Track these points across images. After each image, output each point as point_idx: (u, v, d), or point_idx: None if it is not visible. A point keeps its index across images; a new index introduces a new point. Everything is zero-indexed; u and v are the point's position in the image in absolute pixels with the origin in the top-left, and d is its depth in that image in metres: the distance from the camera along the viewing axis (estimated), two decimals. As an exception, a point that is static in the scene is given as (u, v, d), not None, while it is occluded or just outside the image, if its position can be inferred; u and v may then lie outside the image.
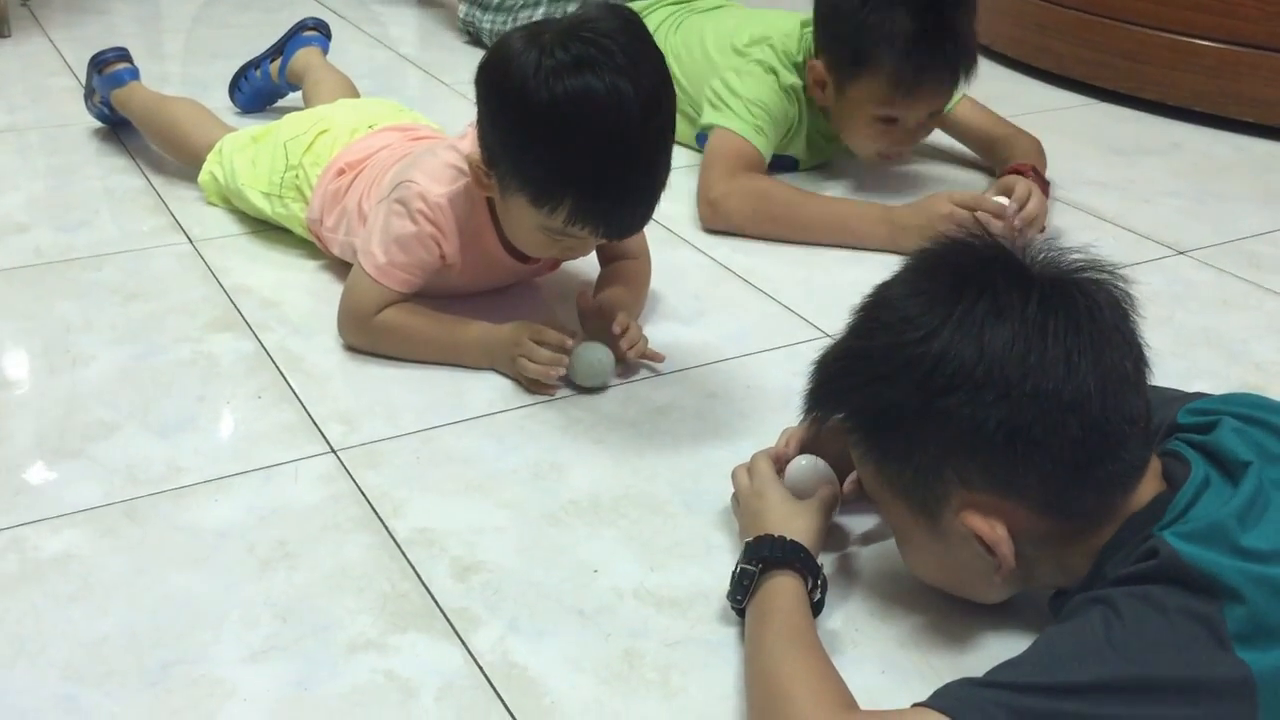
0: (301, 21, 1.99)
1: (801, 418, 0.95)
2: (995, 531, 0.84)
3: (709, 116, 1.75)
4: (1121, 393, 0.81)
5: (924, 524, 0.88)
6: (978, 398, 0.80)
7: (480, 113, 1.22)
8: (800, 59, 1.75)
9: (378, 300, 1.30)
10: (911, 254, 0.91)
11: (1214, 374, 1.36)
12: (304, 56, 1.93)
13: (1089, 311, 0.82)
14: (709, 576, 1.01)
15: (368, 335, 1.31)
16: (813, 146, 1.85)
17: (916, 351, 0.82)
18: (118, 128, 1.91)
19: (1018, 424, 0.80)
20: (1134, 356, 0.83)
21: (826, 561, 0.96)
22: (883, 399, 0.85)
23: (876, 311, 0.88)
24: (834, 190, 1.80)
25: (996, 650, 0.93)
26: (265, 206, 1.56)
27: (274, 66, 1.97)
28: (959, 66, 1.66)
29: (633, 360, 1.29)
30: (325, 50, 1.98)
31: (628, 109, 1.12)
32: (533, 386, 1.26)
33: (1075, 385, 0.79)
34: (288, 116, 1.65)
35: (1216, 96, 2.17)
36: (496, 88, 1.18)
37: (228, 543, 1.03)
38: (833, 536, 1.04)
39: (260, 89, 1.99)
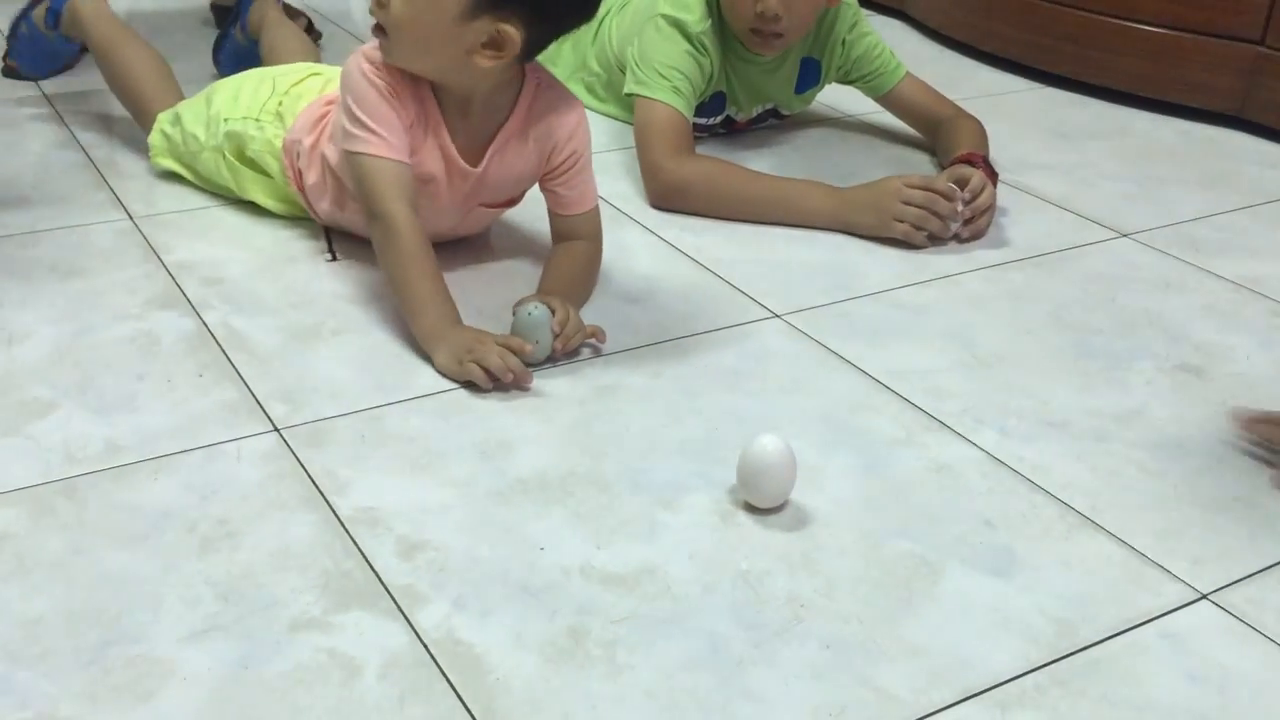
0: None
1: None
2: None
3: (629, 86, 1.74)
4: None
5: None
6: None
7: None
8: None
9: (387, 181, 1.28)
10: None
11: (1155, 354, 1.38)
12: (258, 9, 1.90)
13: None
14: (655, 554, 1.01)
15: (385, 234, 1.28)
16: (745, 88, 1.84)
17: None
18: (55, 100, 1.87)
19: None
20: None
21: (785, 536, 0.95)
22: None
23: None
24: (784, 173, 1.80)
25: (930, 628, 0.94)
26: (239, 128, 1.51)
27: (238, 31, 1.94)
28: None
29: (560, 350, 1.27)
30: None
31: None
32: (467, 375, 1.21)
33: None
34: (279, 65, 1.64)
35: (1159, 81, 2.19)
36: None
37: (168, 522, 1.01)
38: (788, 514, 1.04)
39: (237, 50, 1.96)
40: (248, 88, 1.55)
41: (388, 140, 1.29)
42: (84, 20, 1.74)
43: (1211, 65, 2.14)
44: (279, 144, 1.49)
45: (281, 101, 1.50)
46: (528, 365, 1.23)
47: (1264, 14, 2.07)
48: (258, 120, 1.51)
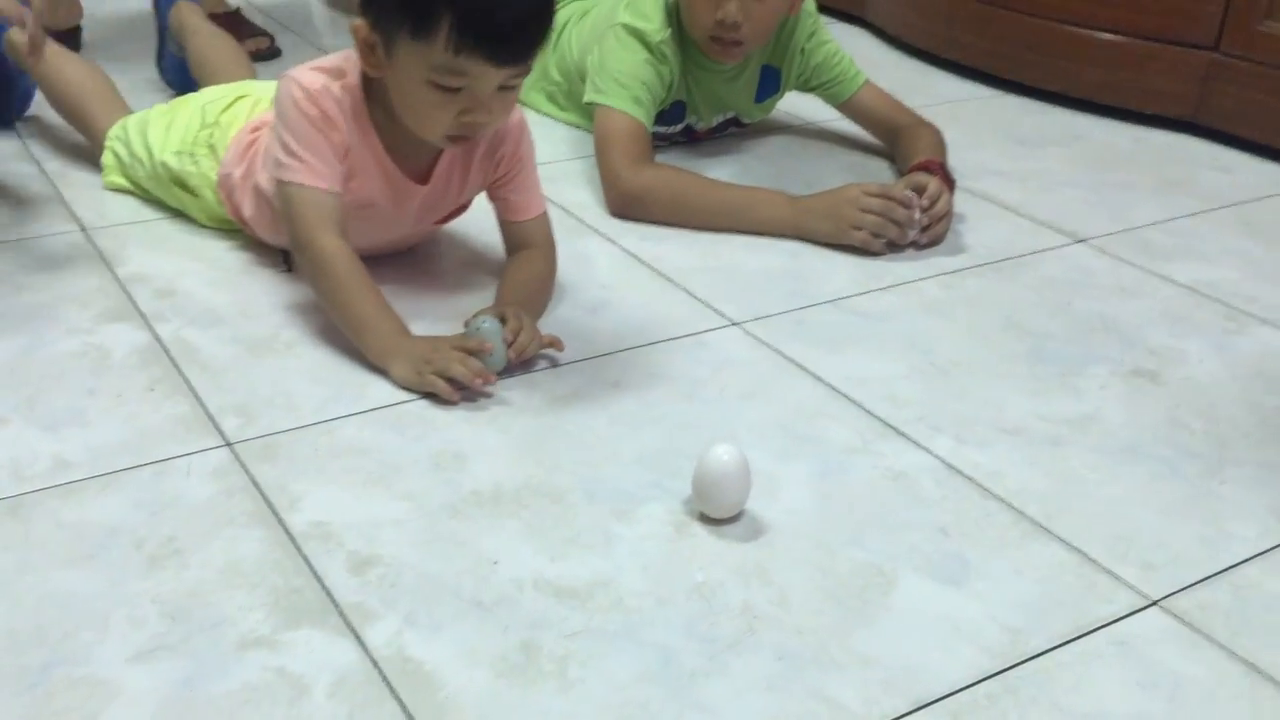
0: None
1: None
2: None
3: (588, 94, 1.74)
4: None
5: None
6: None
7: None
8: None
9: (316, 211, 1.26)
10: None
11: (1109, 359, 1.39)
12: (176, 15, 1.89)
13: None
14: (609, 566, 1.00)
15: (312, 265, 1.27)
16: (705, 97, 1.84)
17: None
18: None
19: None
20: None
21: (740, 547, 0.95)
22: None
23: None
24: (744, 181, 1.80)
25: (893, 630, 0.94)
26: (174, 163, 1.51)
27: (170, 41, 1.93)
28: None
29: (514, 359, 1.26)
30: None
31: None
32: (429, 386, 1.20)
33: None
34: (205, 89, 1.63)
35: (1116, 88, 2.21)
36: None
37: (115, 540, 1.00)
38: (743, 524, 1.05)
39: (176, 63, 1.94)
40: (180, 118, 1.54)
41: (316, 169, 1.27)
42: (17, 50, 1.72)
43: (1166, 72, 2.16)
44: (214, 176, 1.48)
45: (212, 133, 1.49)
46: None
47: (1217, 21, 2.09)
48: (192, 154, 1.50)
